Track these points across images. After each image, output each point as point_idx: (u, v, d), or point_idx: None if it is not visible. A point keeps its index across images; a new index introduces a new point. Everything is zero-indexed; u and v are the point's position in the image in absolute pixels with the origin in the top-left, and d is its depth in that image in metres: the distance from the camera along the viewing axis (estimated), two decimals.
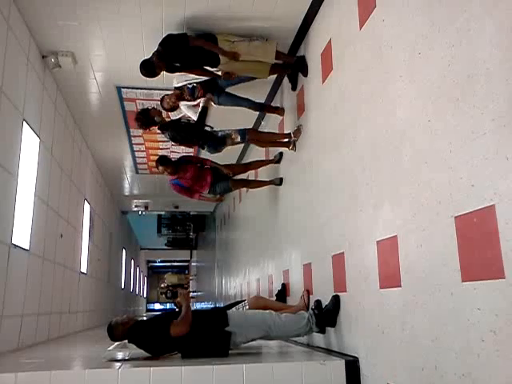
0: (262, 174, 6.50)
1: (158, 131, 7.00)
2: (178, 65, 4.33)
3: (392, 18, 2.80)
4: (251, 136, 4.95)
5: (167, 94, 4.83)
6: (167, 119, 5.06)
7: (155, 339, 3.22)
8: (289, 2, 4.15)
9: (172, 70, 4.39)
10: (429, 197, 2.32)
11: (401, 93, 2.64)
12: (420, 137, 2.42)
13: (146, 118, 4.63)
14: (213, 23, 4.34)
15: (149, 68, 4.21)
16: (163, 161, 4.98)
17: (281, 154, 5.20)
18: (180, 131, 4.71)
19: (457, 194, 2.10)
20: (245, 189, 6.83)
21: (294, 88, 4.75)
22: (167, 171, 4.96)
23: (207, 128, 4.73)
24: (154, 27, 4.39)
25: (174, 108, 4.93)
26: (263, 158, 5.71)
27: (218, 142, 4.77)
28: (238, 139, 4.78)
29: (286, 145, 4.80)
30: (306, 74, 4.41)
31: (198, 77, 4.74)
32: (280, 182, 5.22)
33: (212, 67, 4.47)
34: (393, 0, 2.79)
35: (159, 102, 4.95)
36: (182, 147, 7.89)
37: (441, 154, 2.22)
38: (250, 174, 6.95)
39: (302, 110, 4.52)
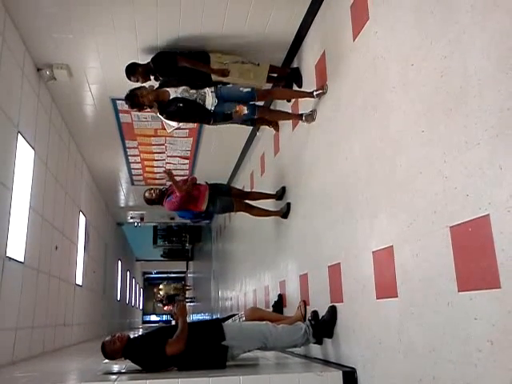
0: (258, 189, 6.52)
1: (154, 142, 7.12)
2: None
3: (385, 30, 2.83)
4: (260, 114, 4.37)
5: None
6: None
7: (151, 358, 3.19)
8: (282, 16, 4.20)
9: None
10: (424, 207, 2.33)
11: (394, 104, 2.66)
12: (414, 147, 2.44)
13: (136, 102, 4.14)
14: (207, 39, 4.39)
15: (129, 70, 4.29)
16: (149, 201, 4.89)
17: (283, 188, 4.98)
18: (181, 112, 4.13)
19: (452, 204, 2.11)
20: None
21: (288, 99, 4.77)
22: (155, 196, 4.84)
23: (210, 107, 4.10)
24: (148, 40, 4.42)
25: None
26: (265, 192, 5.40)
27: (224, 117, 4.21)
28: (245, 111, 4.54)
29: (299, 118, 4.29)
30: (300, 85, 4.44)
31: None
32: (286, 211, 4.83)
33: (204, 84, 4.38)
34: (386, 12, 2.82)
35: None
36: (178, 158, 7.92)
37: (435, 164, 2.24)
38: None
39: (296, 122, 4.53)
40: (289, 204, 4.79)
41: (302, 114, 4.16)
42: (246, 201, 5.34)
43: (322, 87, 3.84)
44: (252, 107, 4.06)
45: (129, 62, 4.33)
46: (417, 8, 2.47)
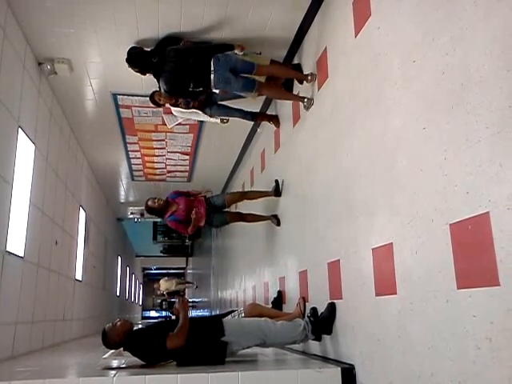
0: (258, 186, 6.52)
1: (154, 138, 7.11)
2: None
3: (387, 26, 2.82)
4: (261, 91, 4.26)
5: (156, 91, 4.69)
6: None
7: (151, 350, 3.20)
8: (284, 12, 4.18)
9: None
10: (424, 204, 2.33)
11: (396, 100, 2.66)
12: (415, 144, 2.43)
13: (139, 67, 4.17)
14: (208, 34, 4.37)
15: (135, 58, 4.22)
16: (151, 210, 5.02)
17: (276, 181, 5.06)
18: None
19: (452, 202, 2.11)
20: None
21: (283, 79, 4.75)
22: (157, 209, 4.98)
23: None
24: (150, 35, 4.40)
25: (162, 105, 4.90)
26: (261, 190, 5.51)
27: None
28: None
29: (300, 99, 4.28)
30: (301, 82, 4.43)
31: (189, 117, 4.75)
32: (276, 187, 5.06)
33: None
34: (388, 8, 2.81)
35: (150, 98, 4.87)
36: (178, 154, 7.91)
37: (436, 162, 2.23)
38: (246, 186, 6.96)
39: (297, 118, 4.53)
40: (277, 181, 5.01)
41: (304, 97, 4.17)
42: (240, 210, 5.67)
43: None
44: (252, 82, 4.03)
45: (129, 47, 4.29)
46: (419, 4, 2.46)
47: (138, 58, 4.14)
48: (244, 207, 6.05)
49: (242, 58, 4.08)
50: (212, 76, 3.86)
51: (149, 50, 4.32)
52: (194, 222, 4.89)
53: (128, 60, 4.16)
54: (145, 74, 4.23)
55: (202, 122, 6.36)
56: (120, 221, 13.62)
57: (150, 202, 5.00)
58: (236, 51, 4.11)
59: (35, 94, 5.00)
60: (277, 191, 5.04)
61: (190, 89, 4.07)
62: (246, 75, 4.04)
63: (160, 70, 4.01)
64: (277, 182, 5.05)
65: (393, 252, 2.62)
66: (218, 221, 5.22)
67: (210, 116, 4.93)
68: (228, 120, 5.11)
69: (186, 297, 20.65)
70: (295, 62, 4.66)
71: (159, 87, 4.18)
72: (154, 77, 4.14)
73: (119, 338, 3.23)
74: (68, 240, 6.78)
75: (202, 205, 5.02)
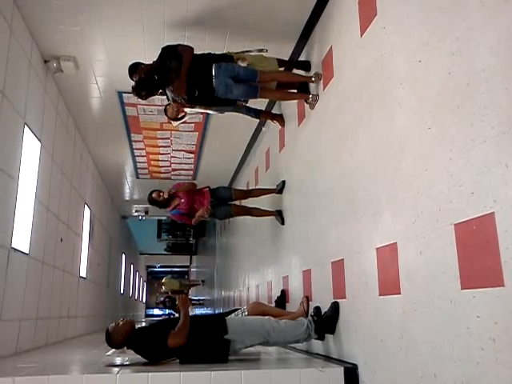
0: (262, 185, 6.53)
1: (160, 136, 7.12)
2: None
3: (393, 26, 2.81)
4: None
5: (169, 104, 4.79)
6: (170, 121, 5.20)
7: (153, 348, 3.21)
8: (289, 11, 4.18)
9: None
10: (429, 204, 2.32)
11: (401, 100, 2.65)
12: (420, 144, 2.43)
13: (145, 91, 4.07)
14: (212, 33, 4.37)
15: (132, 68, 4.07)
16: (154, 202, 5.15)
17: (283, 182, 5.13)
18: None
19: (456, 202, 2.10)
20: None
21: (288, 83, 4.73)
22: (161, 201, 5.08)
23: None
24: (155, 32, 4.42)
25: (178, 118, 4.97)
26: (266, 187, 5.62)
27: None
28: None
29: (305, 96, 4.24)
30: (309, 69, 4.41)
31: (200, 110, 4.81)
32: (282, 186, 5.14)
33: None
34: (394, 8, 2.80)
35: (164, 112, 5.01)
36: (183, 152, 7.92)
37: (441, 162, 2.23)
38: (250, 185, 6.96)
39: (302, 117, 4.53)
40: (284, 181, 5.10)
41: (308, 94, 4.18)
42: (244, 203, 5.69)
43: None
44: (254, 88, 4.01)
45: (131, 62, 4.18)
46: (425, 3, 2.45)
47: (143, 83, 4.01)
48: (249, 202, 6.07)
49: (245, 66, 4.05)
50: (214, 82, 3.87)
51: (149, 63, 4.24)
52: (197, 218, 5.02)
53: (134, 88, 4.04)
54: (153, 94, 4.14)
55: (207, 119, 6.42)
56: (124, 218, 13.66)
57: (154, 195, 5.09)
58: (240, 63, 4.09)
59: (41, 91, 5.02)
60: (280, 191, 5.15)
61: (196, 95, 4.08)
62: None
63: (164, 80, 3.99)
64: (284, 182, 5.12)
65: (397, 252, 2.62)
66: (222, 213, 5.25)
67: (217, 111, 4.95)
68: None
69: (187, 295, 20.43)
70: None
71: (167, 97, 4.18)
72: (161, 88, 4.10)
73: (122, 337, 3.25)
74: (73, 237, 6.81)
75: (205, 197, 5.08)
